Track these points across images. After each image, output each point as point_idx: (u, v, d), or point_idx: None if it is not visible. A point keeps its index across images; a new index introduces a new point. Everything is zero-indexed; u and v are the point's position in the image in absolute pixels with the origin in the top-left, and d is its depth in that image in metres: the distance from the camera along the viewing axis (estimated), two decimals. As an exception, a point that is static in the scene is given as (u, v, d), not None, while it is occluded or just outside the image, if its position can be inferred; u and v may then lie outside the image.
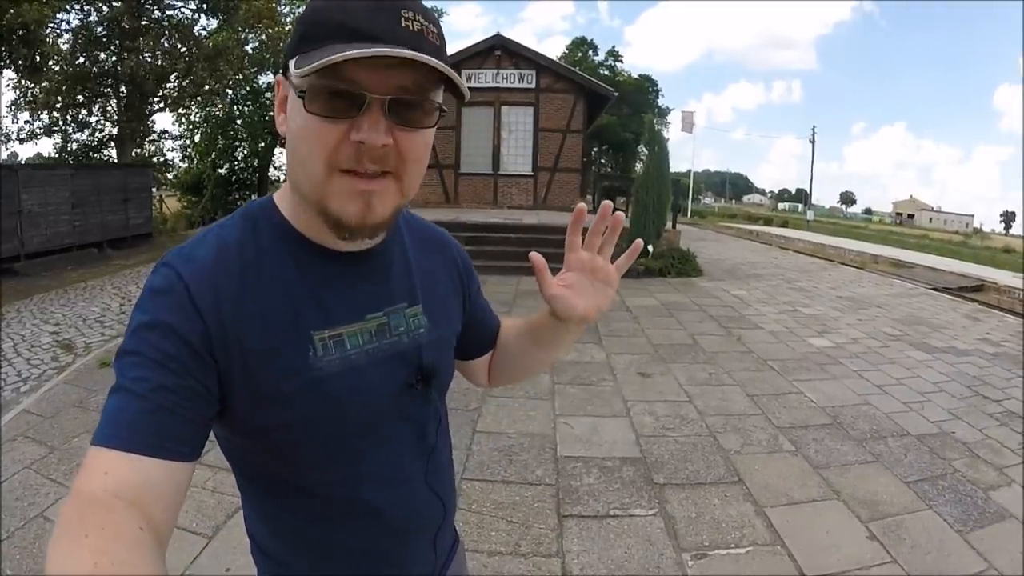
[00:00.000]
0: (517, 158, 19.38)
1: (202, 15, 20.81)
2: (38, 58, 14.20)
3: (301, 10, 0.91)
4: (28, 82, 18.43)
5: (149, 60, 19.00)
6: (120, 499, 0.74)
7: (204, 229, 0.99)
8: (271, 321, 0.91)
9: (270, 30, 21.50)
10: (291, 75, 0.85)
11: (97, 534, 0.69)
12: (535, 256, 1.02)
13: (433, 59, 0.81)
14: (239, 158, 22.08)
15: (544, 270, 1.02)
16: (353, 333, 0.98)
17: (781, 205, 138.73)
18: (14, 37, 12.92)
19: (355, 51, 0.77)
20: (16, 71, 15.09)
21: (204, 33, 20.73)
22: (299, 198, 0.93)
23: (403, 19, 0.82)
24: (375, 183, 0.86)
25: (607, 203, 1.02)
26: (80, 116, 20.99)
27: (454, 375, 1.23)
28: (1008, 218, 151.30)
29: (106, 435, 0.78)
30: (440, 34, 0.88)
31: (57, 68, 18.33)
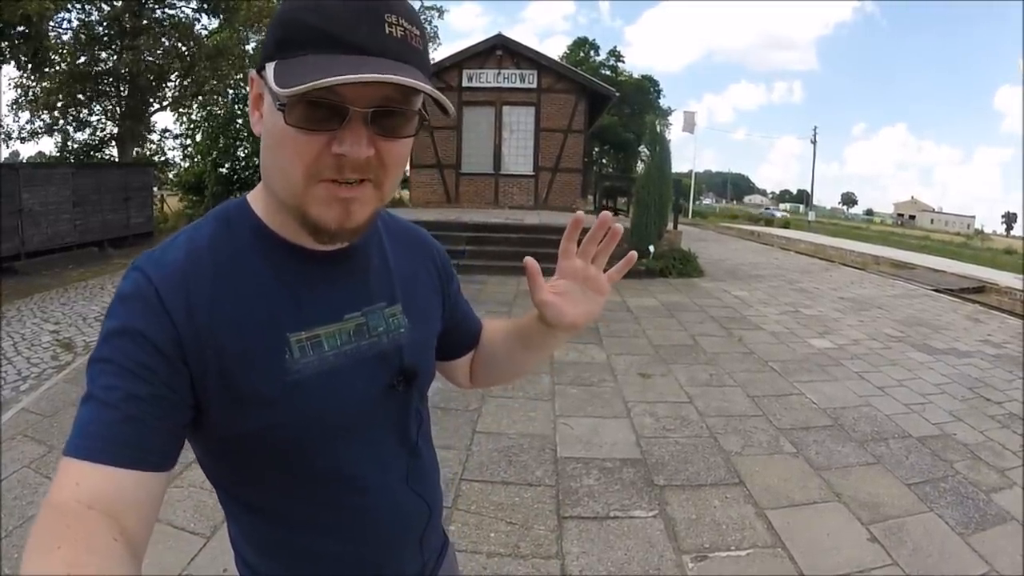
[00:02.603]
0: (518, 158, 19.38)
1: (203, 14, 20.86)
2: (38, 55, 14.18)
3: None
4: (29, 80, 18.47)
5: (150, 59, 19.00)
6: (93, 510, 0.72)
7: (177, 231, 0.97)
8: (245, 323, 0.89)
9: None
10: (268, 80, 0.81)
11: (70, 545, 0.68)
12: (529, 261, 1.01)
13: (421, 83, 0.78)
14: (240, 157, 21.99)
15: (536, 275, 1.01)
16: (331, 334, 0.96)
17: (782, 205, 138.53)
18: (15, 32, 12.90)
19: (346, 77, 0.74)
20: (18, 67, 15.07)
21: (205, 32, 20.75)
22: (276, 201, 0.91)
23: (387, 25, 0.79)
24: (355, 191, 0.84)
25: (607, 213, 1.01)
26: (81, 115, 21.02)
27: (435, 375, 1.22)
28: (1009, 219, 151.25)
29: (77, 446, 0.77)
30: (422, 35, 0.85)
31: (59, 67, 18.35)
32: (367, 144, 0.81)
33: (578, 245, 1.04)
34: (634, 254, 1.08)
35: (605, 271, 1.06)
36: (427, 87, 0.80)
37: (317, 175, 0.82)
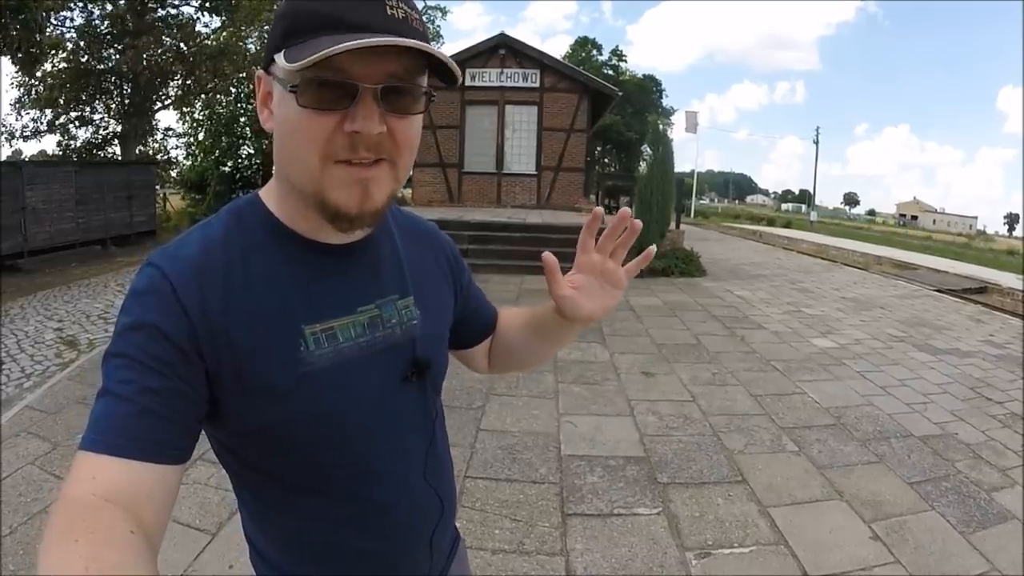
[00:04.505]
0: (521, 157, 19.42)
1: (205, 13, 20.88)
2: (35, 49, 14.10)
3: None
4: (31, 79, 18.46)
5: (152, 59, 19.01)
6: (109, 503, 0.73)
7: (190, 227, 0.98)
8: (259, 316, 0.90)
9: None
10: (278, 70, 0.84)
11: (88, 539, 0.68)
12: (547, 256, 1.02)
13: (429, 46, 0.82)
14: (243, 156, 22.10)
15: (555, 270, 1.03)
16: (345, 326, 0.97)
17: (784, 206, 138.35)
18: (10, 22, 12.81)
19: (355, 42, 0.76)
20: (13, 61, 15.01)
21: (207, 31, 20.78)
22: (292, 192, 0.91)
23: (388, 7, 0.82)
24: (371, 170, 0.86)
25: (626, 209, 1.02)
26: (84, 113, 21.04)
27: (448, 368, 1.22)
28: (1012, 220, 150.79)
29: (92, 440, 0.78)
30: (421, 19, 0.87)
31: (60, 65, 18.36)
32: (379, 121, 0.83)
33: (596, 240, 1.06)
34: (653, 249, 1.09)
35: (623, 265, 1.09)
36: (433, 48, 0.83)
37: (332, 156, 0.84)
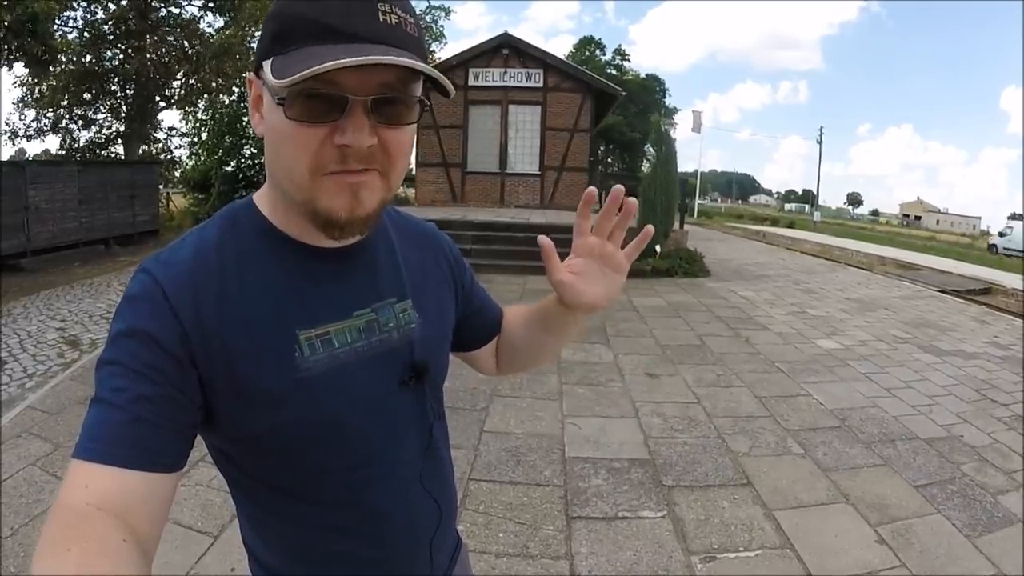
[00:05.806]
0: (524, 157, 19.42)
1: (208, 12, 20.90)
2: (45, 54, 14.17)
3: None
4: (35, 79, 18.51)
5: (155, 59, 19.04)
6: (102, 512, 0.72)
7: (184, 233, 0.97)
8: (253, 322, 0.89)
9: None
10: (266, 77, 0.82)
11: (81, 547, 0.68)
12: (544, 239, 1.00)
13: (420, 63, 0.79)
14: (246, 155, 22.01)
15: (552, 254, 1.01)
16: (340, 331, 0.95)
17: (788, 206, 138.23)
18: (24, 29, 12.90)
19: (343, 60, 0.74)
20: (25, 65, 15.08)
21: (211, 31, 20.79)
22: (284, 197, 0.90)
23: (380, 13, 0.80)
24: (362, 176, 0.84)
25: (619, 187, 0.97)
26: (87, 113, 21.08)
27: (451, 369, 1.20)
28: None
29: (85, 448, 0.77)
30: (417, 23, 0.86)
31: (65, 66, 18.39)
32: (369, 133, 0.81)
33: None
34: (650, 228, 1.05)
35: (622, 248, 1.05)
36: (423, 66, 0.80)
37: (322, 168, 0.82)
